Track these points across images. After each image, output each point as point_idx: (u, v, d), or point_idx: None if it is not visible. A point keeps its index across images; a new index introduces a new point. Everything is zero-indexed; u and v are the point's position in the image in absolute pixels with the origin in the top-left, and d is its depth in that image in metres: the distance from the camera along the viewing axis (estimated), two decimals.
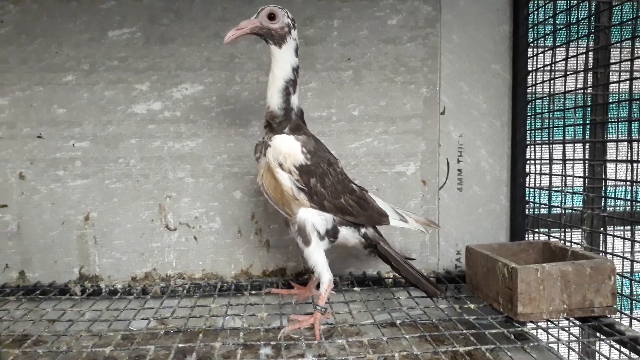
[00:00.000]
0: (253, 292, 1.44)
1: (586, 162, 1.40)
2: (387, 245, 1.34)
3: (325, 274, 1.23)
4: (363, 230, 1.30)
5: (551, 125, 1.51)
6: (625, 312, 1.29)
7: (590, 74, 1.60)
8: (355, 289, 1.43)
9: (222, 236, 1.57)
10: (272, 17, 1.20)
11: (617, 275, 1.17)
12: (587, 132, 1.61)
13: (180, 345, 1.07)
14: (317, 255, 1.22)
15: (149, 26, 1.52)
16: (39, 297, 1.41)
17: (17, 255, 1.52)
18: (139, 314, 1.28)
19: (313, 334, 1.17)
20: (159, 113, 1.54)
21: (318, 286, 1.31)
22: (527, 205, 1.56)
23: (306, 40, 1.55)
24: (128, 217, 1.54)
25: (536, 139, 1.55)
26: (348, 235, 1.28)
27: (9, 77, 1.49)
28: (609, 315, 1.15)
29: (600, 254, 1.30)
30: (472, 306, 1.29)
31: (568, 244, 1.41)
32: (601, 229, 1.40)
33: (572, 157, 1.47)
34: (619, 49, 1.57)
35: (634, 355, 1.03)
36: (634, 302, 1.24)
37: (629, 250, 1.42)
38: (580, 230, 1.43)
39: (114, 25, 1.51)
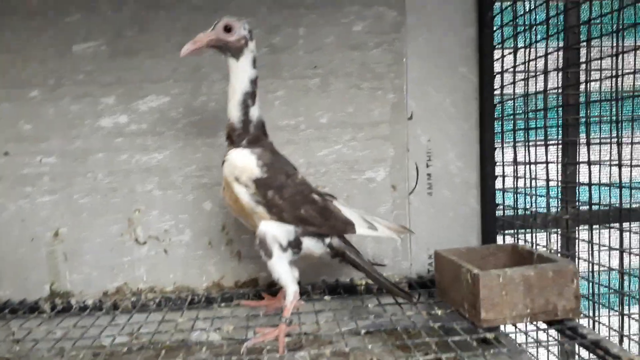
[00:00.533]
0: (223, 304, 1.43)
1: (548, 163, 1.39)
2: (354, 254, 1.32)
3: (290, 286, 1.21)
4: (328, 240, 1.29)
5: (518, 127, 1.50)
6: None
7: (559, 75, 1.60)
8: (326, 297, 1.43)
9: (193, 248, 1.56)
10: (228, 29, 1.18)
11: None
12: (559, 133, 1.60)
13: None
14: (280, 267, 1.21)
15: (114, 39, 1.51)
16: (7, 316, 1.40)
17: None
18: (106, 330, 1.28)
19: (277, 347, 1.16)
20: (126, 126, 1.53)
21: None
22: (497, 208, 1.55)
23: (272, 48, 1.54)
24: (97, 231, 1.54)
25: (505, 141, 1.54)
26: (311, 246, 1.27)
27: None
28: (572, 319, 1.14)
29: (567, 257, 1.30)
30: (439, 312, 1.28)
31: (539, 247, 1.40)
32: (569, 230, 1.40)
33: (541, 160, 1.45)
34: (585, 48, 1.57)
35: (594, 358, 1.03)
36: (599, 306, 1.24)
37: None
38: (548, 232, 1.42)
39: (79, 39, 1.50)
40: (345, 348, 1.09)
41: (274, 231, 1.21)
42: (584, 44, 1.46)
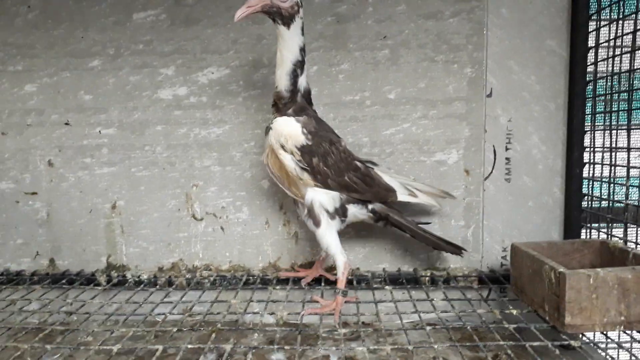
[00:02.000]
0: (278, 287, 1.36)
1: None
2: (398, 215, 1.32)
3: (339, 257, 1.23)
4: (370, 206, 1.29)
5: (615, 109, 1.32)
6: None
7: None
8: (387, 287, 1.32)
9: (250, 227, 1.50)
10: None
11: None
12: None
13: (189, 346, 1.01)
14: (329, 236, 1.22)
15: (174, 7, 1.46)
16: (65, 286, 1.39)
17: (47, 242, 1.52)
18: (159, 307, 1.25)
19: (337, 334, 1.08)
20: (185, 99, 1.48)
21: (328, 270, 1.41)
22: (584, 199, 1.39)
23: (338, 17, 1.44)
24: (155, 206, 1.50)
25: (597, 124, 1.37)
26: (356, 212, 1.28)
27: (36, 63, 1.48)
28: None
29: None
30: (514, 312, 1.15)
31: (631, 244, 1.23)
32: None
33: (638, 145, 1.28)
34: None
35: None
36: None
37: None
38: None
39: (138, 8, 1.46)
40: (407, 345, 0.99)
41: (321, 198, 1.22)
42: None
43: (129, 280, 1.45)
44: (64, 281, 1.42)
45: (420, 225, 1.35)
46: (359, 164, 1.27)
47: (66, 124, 1.49)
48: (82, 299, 1.30)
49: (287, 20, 1.16)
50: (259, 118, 1.47)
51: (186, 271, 1.50)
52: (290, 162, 1.19)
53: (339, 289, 1.21)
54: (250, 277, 1.43)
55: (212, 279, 1.43)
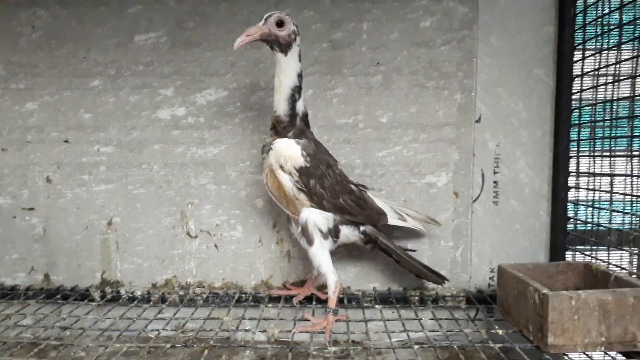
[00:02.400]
0: (270, 305, 1.38)
1: (635, 176, 1.26)
2: (387, 239, 1.36)
3: (331, 276, 1.26)
4: (362, 228, 1.33)
5: (599, 136, 1.37)
6: None
7: None
8: (377, 306, 1.35)
9: (243, 245, 1.53)
10: (280, 24, 1.20)
11: None
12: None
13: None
14: (321, 255, 1.26)
15: (175, 30, 1.50)
16: (59, 302, 1.41)
17: (42, 258, 1.54)
18: (152, 324, 1.27)
19: (327, 353, 1.10)
20: (183, 119, 1.52)
21: (319, 288, 1.44)
22: (569, 222, 1.43)
23: (333, 44, 1.49)
24: (150, 223, 1.53)
25: (582, 149, 1.41)
26: (348, 233, 1.32)
27: (39, 82, 1.51)
28: None
29: None
30: (500, 332, 1.18)
31: (613, 267, 1.27)
32: None
33: (621, 172, 1.32)
34: None
35: None
36: None
37: None
38: (628, 252, 1.28)
39: (140, 30, 1.51)
40: None
41: (315, 218, 1.26)
42: None
43: (123, 297, 1.47)
44: (58, 296, 1.44)
45: (407, 251, 1.40)
46: (353, 187, 1.31)
47: (65, 141, 1.52)
48: (77, 314, 1.31)
49: (284, 47, 1.20)
50: (255, 139, 1.51)
51: (179, 288, 1.52)
52: (288, 182, 1.23)
53: (329, 307, 1.24)
54: (243, 295, 1.45)
55: (205, 296, 1.46)
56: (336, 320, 1.24)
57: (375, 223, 1.34)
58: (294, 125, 1.25)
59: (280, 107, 1.24)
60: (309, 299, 1.41)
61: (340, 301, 1.40)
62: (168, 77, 1.51)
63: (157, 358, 1.04)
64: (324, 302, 1.35)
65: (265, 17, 1.19)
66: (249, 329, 1.22)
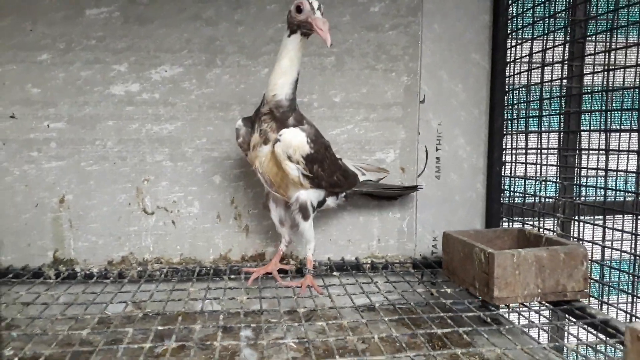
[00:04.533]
0: (232, 276, 1.43)
1: (560, 151, 1.43)
2: (359, 187, 1.48)
3: (312, 242, 1.39)
4: (342, 194, 1.45)
5: (528, 115, 1.54)
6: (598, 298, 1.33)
7: (566, 66, 1.63)
8: (335, 273, 1.44)
9: (201, 221, 1.56)
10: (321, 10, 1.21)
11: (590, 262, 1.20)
12: (563, 123, 1.65)
13: (159, 328, 1.06)
14: (310, 226, 1.36)
15: (128, 5, 1.49)
16: (12, 281, 1.38)
17: None
18: (116, 298, 1.27)
19: (292, 318, 1.18)
20: (137, 95, 1.51)
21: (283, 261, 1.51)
22: (503, 194, 1.59)
23: None
24: (104, 200, 1.52)
25: (513, 128, 1.58)
26: (331, 202, 1.43)
27: None
28: (581, 300, 1.19)
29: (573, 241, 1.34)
30: (448, 290, 1.31)
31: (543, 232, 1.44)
32: (575, 217, 1.44)
33: (547, 147, 1.50)
34: (593, 42, 1.61)
35: (603, 337, 1.07)
36: (608, 289, 1.28)
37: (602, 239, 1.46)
38: (554, 218, 1.46)
39: (91, 4, 1.47)
40: (362, 319, 1.11)
41: (312, 197, 1.34)
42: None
43: (79, 274, 1.45)
44: (9, 276, 1.40)
45: (379, 184, 1.53)
46: (341, 162, 1.41)
47: (11, 116, 1.47)
48: (35, 292, 1.29)
49: (309, 31, 1.21)
50: (211, 115, 1.53)
51: (137, 264, 1.53)
52: (294, 170, 1.26)
53: (308, 269, 1.37)
54: (203, 269, 1.49)
55: (164, 271, 1.47)
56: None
57: (353, 186, 1.45)
58: (293, 109, 1.26)
59: (284, 90, 1.23)
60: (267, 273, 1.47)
61: (297, 271, 1.48)
62: (121, 53, 1.49)
63: (134, 326, 1.06)
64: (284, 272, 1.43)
65: (318, 6, 1.19)
66: (218, 297, 1.27)
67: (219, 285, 1.38)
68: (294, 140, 1.24)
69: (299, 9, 1.20)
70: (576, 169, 1.55)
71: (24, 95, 1.47)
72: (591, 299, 1.24)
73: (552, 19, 1.49)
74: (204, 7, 1.51)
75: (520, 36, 1.56)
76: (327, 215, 1.57)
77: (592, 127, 1.75)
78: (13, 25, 1.45)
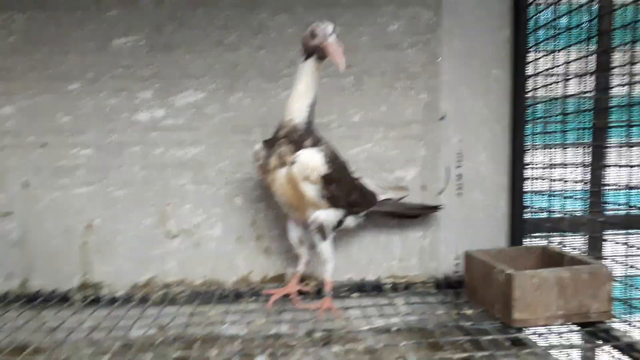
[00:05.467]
0: (252, 299, 1.45)
1: (584, 166, 1.39)
2: (380, 207, 1.46)
3: (331, 263, 1.36)
4: (362, 214, 1.43)
5: (550, 130, 1.50)
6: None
7: (591, 78, 1.59)
8: (354, 295, 1.44)
9: (223, 242, 1.58)
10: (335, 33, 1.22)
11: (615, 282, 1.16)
12: (587, 137, 1.60)
13: (178, 353, 1.08)
14: (329, 246, 1.35)
15: (153, 34, 1.53)
16: (40, 306, 1.42)
17: (20, 263, 1.54)
18: (138, 322, 1.30)
19: (310, 341, 1.18)
20: (162, 120, 1.55)
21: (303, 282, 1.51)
22: (526, 210, 1.56)
23: None
24: (130, 224, 1.56)
25: (536, 143, 1.54)
26: (350, 222, 1.42)
27: (15, 85, 1.52)
28: (605, 321, 1.14)
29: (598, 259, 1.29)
30: (469, 312, 1.29)
31: (566, 249, 1.40)
32: (599, 233, 1.39)
33: (570, 162, 1.46)
34: (619, 53, 1.56)
35: None
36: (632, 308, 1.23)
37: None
38: (579, 235, 1.42)
39: (119, 33, 1.53)
40: (379, 343, 1.10)
41: (330, 217, 1.33)
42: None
43: (104, 298, 1.49)
44: (38, 300, 1.45)
45: (399, 202, 1.51)
46: (359, 181, 1.40)
47: (43, 145, 1.54)
48: (61, 317, 1.33)
49: (324, 55, 1.22)
50: (233, 138, 1.56)
51: (160, 287, 1.55)
52: (312, 192, 1.27)
53: (327, 292, 1.35)
54: (224, 291, 1.51)
55: (187, 294, 1.50)
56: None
57: (372, 205, 1.43)
58: (310, 132, 1.27)
59: (301, 114, 1.25)
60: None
61: (318, 292, 1.48)
62: (147, 80, 1.54)
63: (152, 350, 1.08)
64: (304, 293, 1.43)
65: (332, 30, 1.21)
66: (236, 321, 1.28)
67: (238, 308, 1.40)
68: (311, 161, 1.24)
69: (313, 34, 1.22)
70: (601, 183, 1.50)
71: (55, 124, 1.53)
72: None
73: (575, 31, 1.45)
74: (226, 33, 1.55)
75: (541, 49, 1.54)
76: (347, 235, 1.57)
77: (612, 141, 1.68)
78: (47, 57, 1.52)
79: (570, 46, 1.43)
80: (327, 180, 1.26)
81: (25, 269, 1.55)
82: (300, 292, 1.46)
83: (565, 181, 1.43)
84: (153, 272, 1.57)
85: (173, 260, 1.58)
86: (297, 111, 1.25)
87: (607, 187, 1.46)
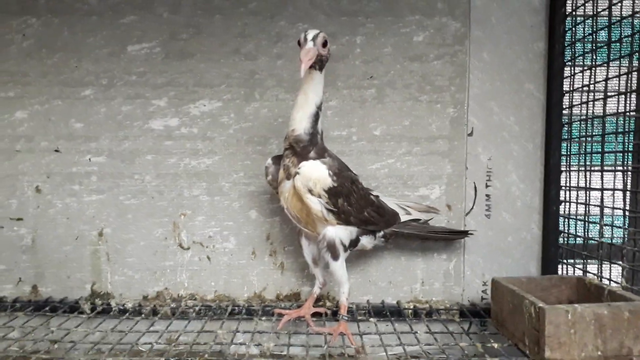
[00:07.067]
0: (264, 317, 1.37)
1: (627, 191, 1.28)
2: (402, 228, 1.38)
3: (346, 285, 1.30)
4: (379, 234, 1.36)
5: (589, 151, 1.40)
6: None
7: (633, 96, 1.48)
8: (371, 319, 1.35)
9: (236, 257, 1.52)
10: (325, 44, 1.20)
11: None
12: (630, 159, 1.48)
13: None
14: (342, 266, 1.28)
15: (169, 41, 1.49)
16: (48, 314, 1.38)
17: (30, 269, 1.51)
18: (145, 337, 1.25)
19: None
20: (176, 129, 1.50)
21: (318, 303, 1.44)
22: (561, 235, 1.45)
23: None
24: (142, 234, 1.51)
25: (572, 164, 1.44)
26: (366, 242, 1.34)
27: (29, 91, 1.49)
28: None
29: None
30: (495, 345, 1.18)
31: (605, 280, 1.29)
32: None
33: (611, 186, 1.35)
34: None
35: None
36: None
37: None
38: (619, 266, 1.30)
39: (133, 40, 1.49)
40: None
41: (341, 234, 1.27)
42: None
43: (114, 309, 1.44)
44: (47, 308, 1.41)
45: (424, 225, 1.43)
46: (373, 197, 1.33)
47: (56, 150, 1.50)
48: (66, 327, 1.29)
49: (321, 65, 1.21)
50: (249, 150, 1.50)
51: (171, 300, 1.50)
52: (317, 204, 1.21)
53: (342, 315, 1.28)
54: (236, 307, 1.44)
55: (197, 308, 1.44)
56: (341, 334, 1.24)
57: (392, 225, 1.36)
58: (314, 144, 1.23)
59: (302, 125, 1.21)
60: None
61: (333, 314, 1.40)
62: (161, 88, 1.50)
63: None
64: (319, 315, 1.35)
65: (312, 36, 1.17)
66: (244, 343, 1.21)
67: (249, 327, 1.32)
68: (314, 173, 1.19)
69: (299, 43, 1.20)
70: None
71: (67, 130, 1.50)
72: None
73: (616, 45, 1.35)
74: (244, 42, 1.50)
75: (580, 63, 1.43)
76: (366, 255, 1.49)
77: None
78: (60, 62, 1.49)
79: (610, 62, 1.32)
80: (332, 194, 1.21)
81: (36, 275, 1.52)
82: (315, 314, 1.38)
83: (604, 207, 1.32)
84: (164, 285, 1.52)
85: (185, 273, 1.52)
86: (298, 122, 1.22)
87: None
